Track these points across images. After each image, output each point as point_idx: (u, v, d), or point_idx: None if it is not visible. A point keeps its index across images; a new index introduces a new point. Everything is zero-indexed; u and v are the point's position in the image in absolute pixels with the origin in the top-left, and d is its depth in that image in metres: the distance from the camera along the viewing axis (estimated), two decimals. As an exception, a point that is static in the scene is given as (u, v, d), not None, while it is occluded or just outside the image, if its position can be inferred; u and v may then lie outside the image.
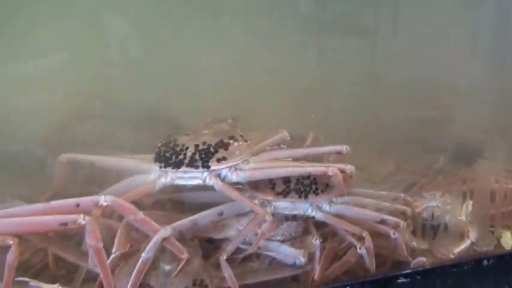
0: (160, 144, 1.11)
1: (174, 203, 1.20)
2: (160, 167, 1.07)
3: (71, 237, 1.17)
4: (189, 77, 1.44)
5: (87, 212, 0.93)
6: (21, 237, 1.13)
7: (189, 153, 1.06)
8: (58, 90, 1.30)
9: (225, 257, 1.05)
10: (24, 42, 1.30)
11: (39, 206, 0.90)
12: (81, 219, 0.89)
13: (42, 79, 1.32)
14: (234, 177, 1.06)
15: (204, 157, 1.05)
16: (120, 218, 1.10)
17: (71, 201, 0.91)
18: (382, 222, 1.20)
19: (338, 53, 1.52)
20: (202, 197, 1.18)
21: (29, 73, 1.31)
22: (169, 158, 1.07)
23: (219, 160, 1.06)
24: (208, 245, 1.17)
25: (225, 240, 1.17)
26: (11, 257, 0.84)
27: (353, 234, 1.18)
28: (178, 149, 1.07)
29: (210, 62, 1.46)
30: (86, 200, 0.92)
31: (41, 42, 1.32)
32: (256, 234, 1.11)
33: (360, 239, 1.17)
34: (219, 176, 1.06)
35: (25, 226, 0.87)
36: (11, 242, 0.82)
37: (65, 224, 0.88)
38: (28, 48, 1.31)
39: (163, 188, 1.07)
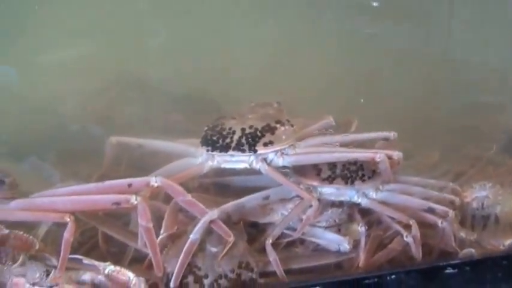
0: (207, 128, 1.12)
1: (218, 186, 1.22)
2: (208, 150, 1.08)
3: (120, 217, 1.21)
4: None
5: (138, 192, 0.96)
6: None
7: (235, 137, 1.06)
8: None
9: (270, 241, 1.05)
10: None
11: (93, 185, 0.93)
12: (134, 199, 0.92)
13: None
14: (280, 161, 1.06)
15: (250, 141, 1.06)
16: (165, 200, 1.13)
17: (124, 181, 0.93)
18: (430, 211, 1.17)
19: (385, 37, 1.49)
20: (246, 181, 1.19)
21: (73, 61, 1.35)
22: (216, 141, 1.07)
23: (265, 144, 1.06)
24: (251, 230, 1.18)
25: (269, 225, 1.17)
26: (67, 234, 0.87)
27: (399, 222, 1.16)
28: (225, 132, 1.08)
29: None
30: (137, 181, 0.94)
31: (81, 28, 1.35)
32: (301, 219, 1.11)
33: (407, 227, 1.15)
34: (265, 160, 1.06)
35: (80, 204, 0.90)
36: (68, 219, 0.85)
37: (117, 203, 0.91)
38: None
39: (210, 171, 1.08)
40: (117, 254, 1.13)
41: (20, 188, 0.94)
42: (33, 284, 0.92)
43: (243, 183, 1.17)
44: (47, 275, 0.93)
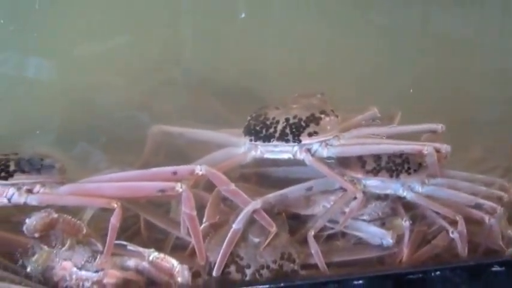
0: (250, 117, 1.11)
1: (259, 177, 1.21)
2: (251, 140, 1.07)
3: (161, 205, 1.22)
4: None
5: (182, 180, 0.96)
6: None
7: (279, 127, 1.05)
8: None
9: (313, 233, 1.04)
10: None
11: (138, 172, 0.93)
12: (179, 186, 0.92)
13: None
14: (324, 152, 1.04)
15: (295, 131, 1.04)
16: (205, 189, 1.13)
17: (169, 168, 0.94)
18: (477, 207, 1.13)
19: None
20: (287, 172, 1.17)
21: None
22: (260, 131, 1.06)
23: (310, 134, 1.04)
24: (291, 221, 1.17)
25: (310, 217, 1.16)
26: (114, 219, 0.88)
27: (444, 218, 1.13)
28: (268, 122, 1.07)
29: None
30: (182, 169, 0.94)
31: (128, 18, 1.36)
32: (343, 212, 1.10)
33: (452, 223, 1.12)
34: (309, 150, 1.05)
35: (127, 191, 0.90)
36: (115, 205, 0.86)
37: (163, 190, 0.91)
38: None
39: (252, 161, 1.08)
40: (158, 241, 1.14)
41: (70, 173, 0.95)
42: (80, 268, 0.94)
43: (284, 174, 1.16)
44: (93, 260, 0.94)
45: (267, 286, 0.97)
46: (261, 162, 1.15)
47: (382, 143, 1.06)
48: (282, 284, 0.98)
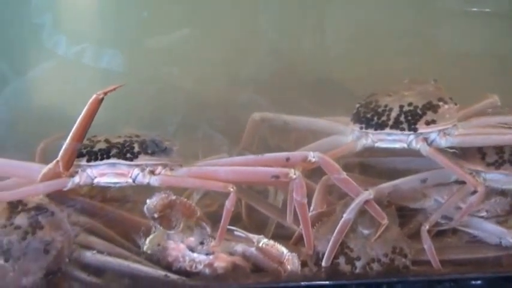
0: (359, 105, 1.07)
1: (364, 167, 1.17)
2: (361, 128, 1.03)
3: (260, 192, 1.22)
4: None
5: (293, 167, 0.94)
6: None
7: (393, 115, 1.00)
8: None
9: (427, 227, 0.98)
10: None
11: (252, 157, 0.93)
12: (292, 173, 0.90)
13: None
14: (443, 142, 0.98)
15: (410, 119, 0.99)
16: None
17: (282, 154, 0.92)
18: None
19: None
20: (395, 162, 1.12)
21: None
22: (371, 119, 1.02)
23: (427, 123, 0.98)
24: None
25: (419, 211, 1.11)
26: (229, 203, 0.87)
27: None
28: (380, 110, 1.02)
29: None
30: (295, 155, 0.92)
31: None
32: (458, 207, 1.03)
33: None
34: (426, 140, 0.99)
35: (241, 175, 0.90)
36: (231, 189, 0.86)
37: (276, 176, 0.89)
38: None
39: (363, 150, 1.04)
40: (258, 228, 1.14)
41: (191, 156, 0.97)
42: (192, 250, 0.96)
43: (392, 164, 1.11)
44: (205, 243, 0.96)
45: (379, 280, 0.94)
46: (363, 152, 1.12)
47: (508, 134, 0.98)
48: (394, 279, 0.94)
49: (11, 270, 0.84)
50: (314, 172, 1.06)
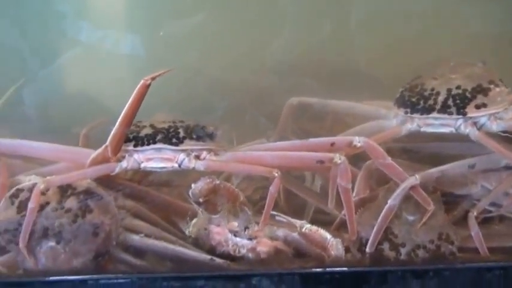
0: (403, 89, 1.04)
1: (407, 152, 1.14)
2: (406, 112, 1.00)
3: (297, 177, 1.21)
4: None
5: (339, 151, 0.93)
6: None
7: (440, 98, 0.98)
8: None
9: (475, 213, 0.96)
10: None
11: (297, 142, 0.92)
12: (337, 158, 0.89)
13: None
14: (493, 126, 0.95)
15: (459, 103, 0.96)
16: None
17: (327, 139, 0.91)
18: None
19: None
20: (441, 147, 1.10)
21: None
22: (417, 103, 1.00)
23: (477, 106, 0.95)
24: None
25: (463, 197, 1.08)
26: (273, 188, 0.87)
27: None
28: (426, 93, 0.99)
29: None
30: (340, 140, 0.91)
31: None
32: (507, 194, 1.00)
33: None
34: (475, 124, 0.96)
35: (286, 160, 0.90)
36: (276, 174, 0.86)
37: (321, 161, 0.88)
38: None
39: (408, 134, 1.01)
40: (296, 213, 1.13)
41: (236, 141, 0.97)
42: (235, 235, 0.96)
43: (437, 149, 1.09)
44: (248, 227, 0.96)
45: (425, 267, 0.92)
46: (404, 136, 1.09)
47: None
48: (441, 266, 0.92)
49: (62, 252, 0.87)
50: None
